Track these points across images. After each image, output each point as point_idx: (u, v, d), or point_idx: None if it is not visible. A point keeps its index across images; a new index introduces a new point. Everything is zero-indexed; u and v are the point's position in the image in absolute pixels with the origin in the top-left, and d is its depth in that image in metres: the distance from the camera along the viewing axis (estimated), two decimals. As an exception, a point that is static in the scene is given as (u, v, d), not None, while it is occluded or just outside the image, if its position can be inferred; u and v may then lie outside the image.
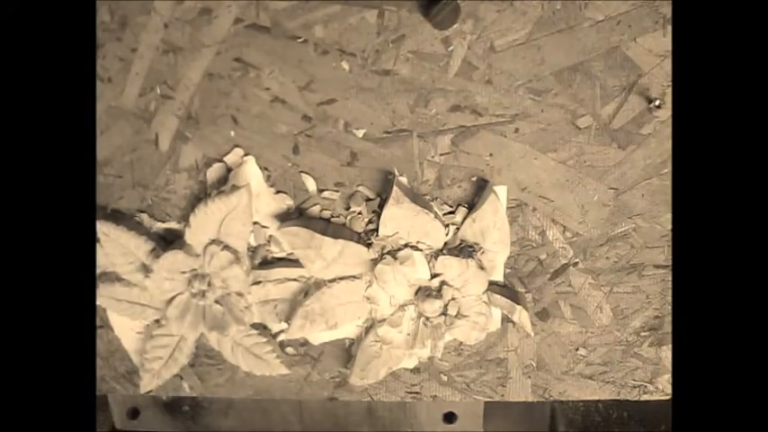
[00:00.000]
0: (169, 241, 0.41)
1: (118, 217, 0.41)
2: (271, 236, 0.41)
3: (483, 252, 0.40)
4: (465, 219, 0.40)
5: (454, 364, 0.45)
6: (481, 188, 0.40)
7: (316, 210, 0.41)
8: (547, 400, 0.46)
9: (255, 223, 0.40)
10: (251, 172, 0.39)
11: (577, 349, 0.44)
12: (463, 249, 0.40)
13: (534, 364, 0.45)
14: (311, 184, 0.40)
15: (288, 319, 0.42)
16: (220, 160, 0.40)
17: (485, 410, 0.50)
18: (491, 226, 0.39)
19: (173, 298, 0.41)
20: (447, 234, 0.40)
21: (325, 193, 0.40)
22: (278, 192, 0.40)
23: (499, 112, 0.38)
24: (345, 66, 0.37)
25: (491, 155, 0.39)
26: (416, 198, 0.39)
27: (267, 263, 0.42)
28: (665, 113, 0.38)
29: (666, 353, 0.44)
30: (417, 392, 0.46)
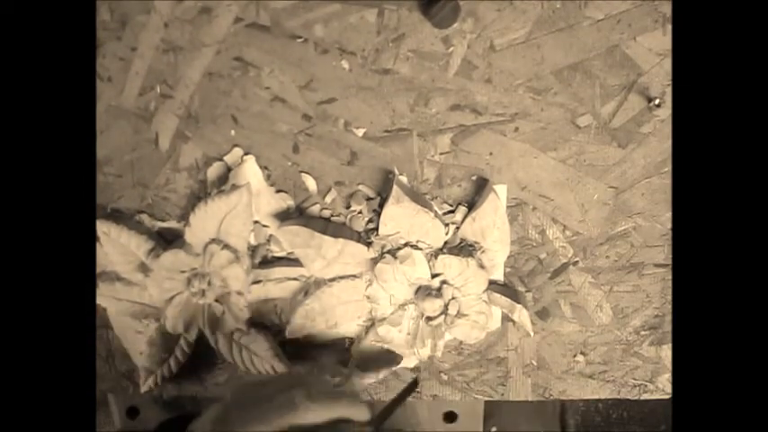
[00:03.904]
0: (169, 240, 0.41)
1: (118, 216, 0.41)
2: (271, 235, 0.41)
3: (483, 251, 0.40)
4: (465, 218, 0.40)
5: (454, 363, 0.45)
6: (481, 187, 0.40)
7: (316, 209, 0.41)
8: (548, 398, 0.46)
9: (255, 222, 0.40)
10: (251, 171, 0.39)
11: (576, 355, 0.44)
12: (463, 248, 0.40)
13: (534, 363, 0.45)
14: (311, 184, 0.40)
15: (288, 319, 0.42)
16: (220, 159, 0.40)
17: (492, 408, 0.50)
18: (491, 225, 0.39)
19: (172, 297, 0.41)
20: (447, 233, 0.40)
21: (327, 194, 0.40)
22: (278, 191, 0.40)
23: (499, 111, 0.38)
24: (345, 65, 0.37)
25: (491, 154, 0.39)
26: (416, 197, 0.39)
27: (267, 262, 0.42)
28: (665, 112, 0.38)
29: (666, 352, 0.44)
30: (417, 392, 0.46)
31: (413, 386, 0.35)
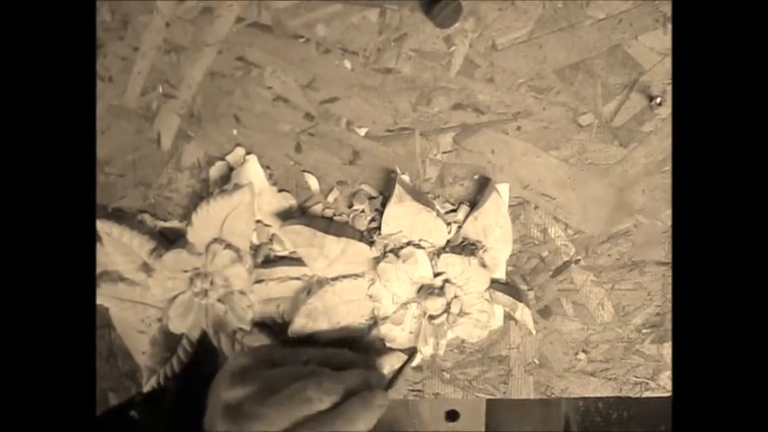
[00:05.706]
0: (171, 240, 0.41)
1: (120, 216, 0.41)
2: (273, 234, 0.41)
3: (485, 250, 0.40)
4: (467, 216, 0.40)
5: (456, 361, 0.45)
6: (483, 186, 0.40)
7: (318, 208, 0.41)
8: (550, 397, 0.46)
9: (258, 222, 0.40)
10: (253, 170, 0.39)
11: (578, 353, 0.44)
12: (465, 247, 0.40)
13: (536, 362, 0.45)
14: (313, 183, 0.40)
15: (290, 318, 0.42)
16: (223, 159, 0.40)
17: (496, 411, 0.50)
18: (493, 224, 0.39)
19: (175, 297, 0.41)
20: (449, 232, 0.40)
21: (329, 194, 0.40)
22: (280, 190, 0.41)
23: (501, 110, 0.38)
24: (347, 64, 0.37)
25: (493, 153, 0.39)
26: (419, 196, 0.39)
27: (269, 261, 0.42)
28: (666, 111, 0.38)
29: (668, 350, 0.44)
30: (419, 390, 0.46)
31: (413, 353, 0.41)
